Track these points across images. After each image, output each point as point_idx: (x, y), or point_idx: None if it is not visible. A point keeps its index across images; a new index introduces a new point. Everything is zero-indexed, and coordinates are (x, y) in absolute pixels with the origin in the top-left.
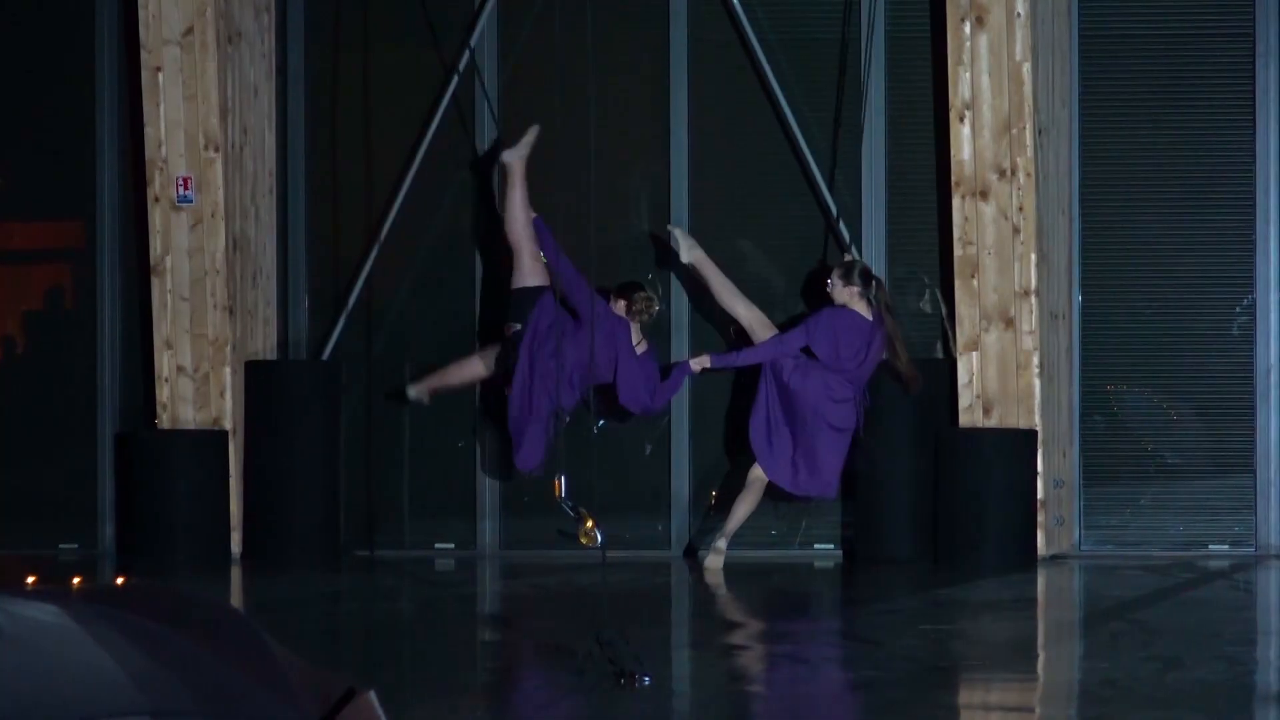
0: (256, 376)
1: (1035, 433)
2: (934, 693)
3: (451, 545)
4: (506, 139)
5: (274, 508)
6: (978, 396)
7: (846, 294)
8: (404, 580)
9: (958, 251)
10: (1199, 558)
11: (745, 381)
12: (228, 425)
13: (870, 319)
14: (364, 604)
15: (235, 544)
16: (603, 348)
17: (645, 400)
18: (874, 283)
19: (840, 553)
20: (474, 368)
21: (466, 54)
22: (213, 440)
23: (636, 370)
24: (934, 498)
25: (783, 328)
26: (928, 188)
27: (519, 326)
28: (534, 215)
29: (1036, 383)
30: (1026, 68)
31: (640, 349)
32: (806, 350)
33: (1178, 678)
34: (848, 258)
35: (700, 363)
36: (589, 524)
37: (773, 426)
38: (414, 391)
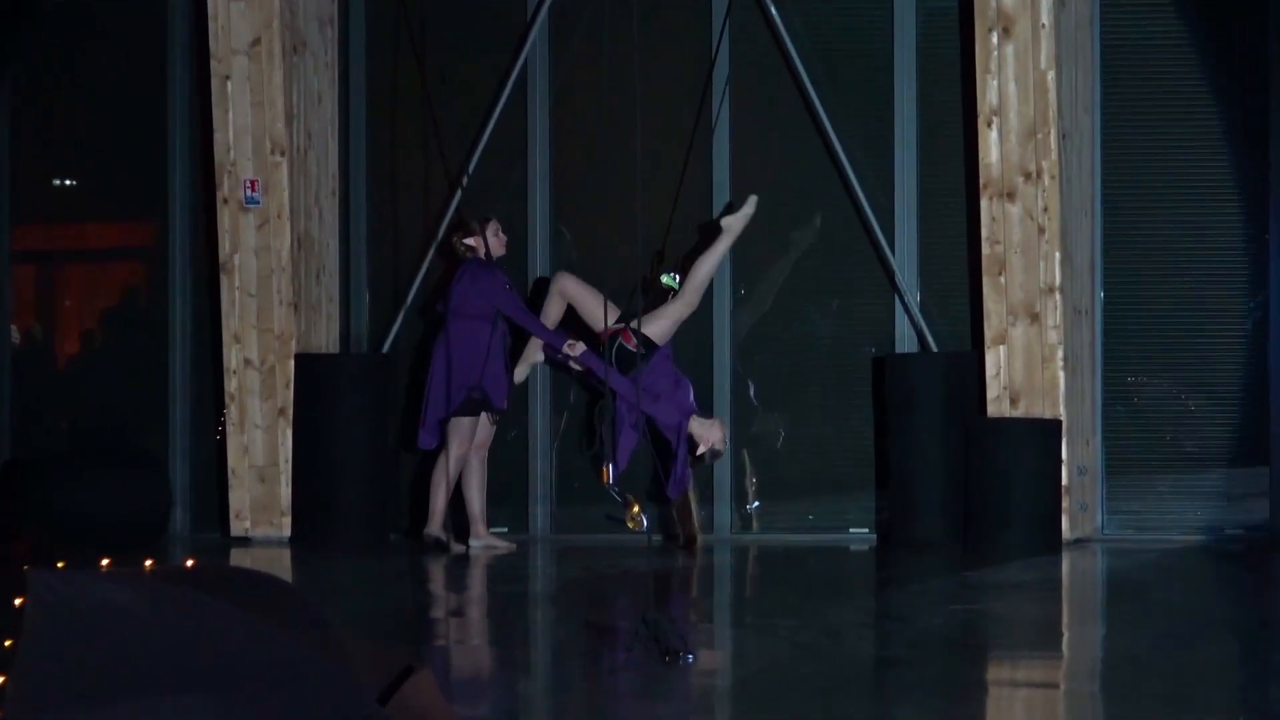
0: (307, 369)
1: (1060, 422)
2: (963, 668)
3: (505, 530)
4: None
5: (323, 494)
6: (1005, 388)
7: None
8: (461, 565)
9: (986, 251)
10: (1216, 542)
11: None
12: (290, 415)
13: None
14: (416, 587)
15: (286, 527)
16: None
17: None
18: None
19: (875, 537)
20: None
21: (519, 63)
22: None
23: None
24: (964, 484)
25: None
26: (957, 189)
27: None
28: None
29: (1061, 375)
30: (1051, 76)
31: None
32: None
33: (1194, 656)
34: None
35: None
36: (635, 509)
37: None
38: None
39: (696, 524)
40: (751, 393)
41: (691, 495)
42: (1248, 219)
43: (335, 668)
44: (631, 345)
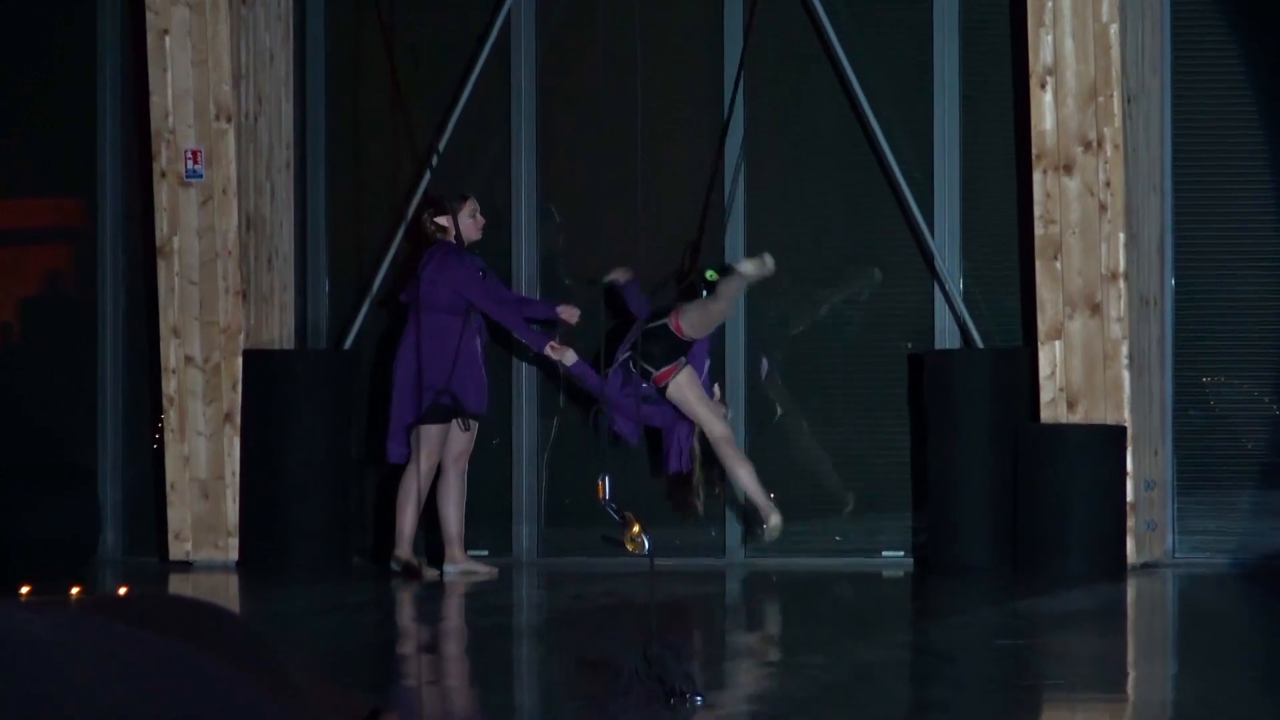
0: (258, 368)
1: (1124, 429)
2: (1013, 713)
3: (485, 553)
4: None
5: (275, 512)
6: (1061, 389)
7: None
8: (435, 593)
9: (1039, 231)
10: None
11: None
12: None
13: None
14: (382, 617)
15: (232, 550)
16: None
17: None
18: None
19: (911, 561)
20: None
21: (501, 16)
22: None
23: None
24: (1013, 500)
25: None
26: (1006, 161)
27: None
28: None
29: (1125, 374)
30: (1114, 30)
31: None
32: None
33: (1278, 698)
34: None
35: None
36: (635, 529)
37: None
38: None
39: (698, 494)
40: (769, 394)
41: (698, 471)
42: None
43: (287, 711)
44: (680, 334)
